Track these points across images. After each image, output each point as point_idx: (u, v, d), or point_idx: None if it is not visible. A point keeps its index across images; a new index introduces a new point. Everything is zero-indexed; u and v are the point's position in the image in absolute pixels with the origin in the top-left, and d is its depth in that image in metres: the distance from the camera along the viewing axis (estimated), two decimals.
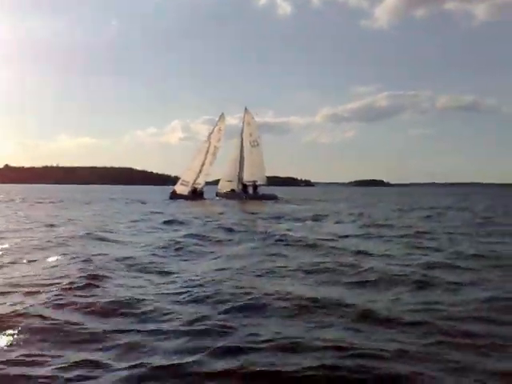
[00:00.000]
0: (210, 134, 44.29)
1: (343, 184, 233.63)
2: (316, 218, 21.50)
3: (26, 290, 6.60)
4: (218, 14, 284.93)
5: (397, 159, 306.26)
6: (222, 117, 45.34)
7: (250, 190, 44.22)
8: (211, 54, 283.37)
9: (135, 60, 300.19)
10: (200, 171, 42.87)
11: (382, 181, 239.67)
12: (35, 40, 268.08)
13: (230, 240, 12.74)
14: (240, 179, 44.58)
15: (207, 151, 43.34)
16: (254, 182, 44.19)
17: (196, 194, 42.25)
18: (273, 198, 42.91)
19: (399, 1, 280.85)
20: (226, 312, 5.69)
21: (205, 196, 42.72)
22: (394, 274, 7.94)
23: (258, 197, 42.89)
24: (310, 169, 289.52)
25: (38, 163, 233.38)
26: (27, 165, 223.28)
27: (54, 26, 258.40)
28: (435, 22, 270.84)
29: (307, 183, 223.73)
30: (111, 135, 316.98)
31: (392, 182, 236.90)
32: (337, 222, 19.73)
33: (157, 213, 24.31)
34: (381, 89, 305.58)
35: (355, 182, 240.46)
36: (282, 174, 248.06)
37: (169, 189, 46.68)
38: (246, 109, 46.22)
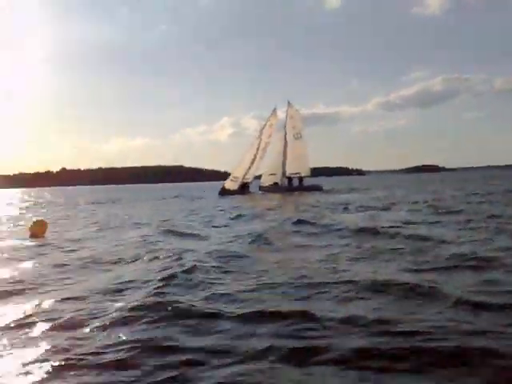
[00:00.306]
0: (262, 129, 45.09)
1: (395, 171, 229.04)
2: (383, 207, 21.47)
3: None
4: (262, 11, 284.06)
5: (452, 143, 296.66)
6: (274, 112, 45.95)
7: (296, 183, 44.75)
8: (260, 50, 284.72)
9: (184, 61, 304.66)
10: (250, 167, 43.69)
11: (437, 166, 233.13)
12: (89, 44, 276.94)
13: (313, 233, 13.03)
14: (284, 172, 44.87)
15: (258, 147, 44.14)
16: (298, 174, 44.59)
17: (244, 189, 43.03)
18: (318, 188, 43.50)
19: None
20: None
21: (250, 190, 43.60)
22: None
23: (303, 188, 43.47)
24: (362, 157, 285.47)
25: (94, 165, 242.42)
26: (83, 167, 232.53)
27: (106, 29, 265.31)
28: (488, 5, 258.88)
29: (359, 172, 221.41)
30: (162, 135, 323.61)
31: (447, 167, 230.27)
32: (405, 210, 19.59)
33: (221, 209, 25.01)
34: (435, 73, 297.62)
35: (408, 168, 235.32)
36: (333, 164, 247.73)
37: (219, 184, 47.47)
38: (288, 102, 46.61)
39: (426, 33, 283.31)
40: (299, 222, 15.39)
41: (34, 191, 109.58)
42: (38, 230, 15.30)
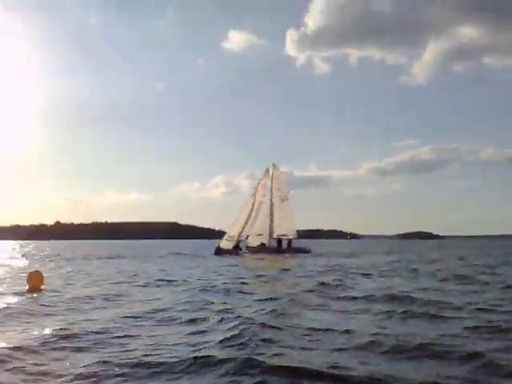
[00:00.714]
0: (256, 188, 45.90)
1: (390, 237, 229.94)
2: (383, 274, 21.63)
3: None
4: (257, 74, 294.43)
5: (444, 211, 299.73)
6: (267, 172, 46.82)
7: (284, 245, 44.84)
8: (252, 112, 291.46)
9: (178, 119, 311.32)
10: (244, 226, 44.08)
11: (431, 233, 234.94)
12: (79, 97, 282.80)
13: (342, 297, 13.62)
14: (271, 233, 45.06)
15: (252, 207, 44.72)
16: (286, 235, 44.85)
17: (237, 248, 43.53)
18: (306, 251, 43.54)
19: (437, 57, 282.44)
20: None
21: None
22: None
23: (292, 250, 43.43)
24: (355, 221, 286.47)
25: (87, 219, 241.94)
26: (76, 221, 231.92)
27: (100, 84, 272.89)
28: (474, 77, 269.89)
29: (353, 236, 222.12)
30: (157, 190, 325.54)
31: (441, 234, 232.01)
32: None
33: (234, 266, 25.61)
34: (423, 143, 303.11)
35: (402, 234, 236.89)
36: (327, 227, 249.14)
37: (215, 242, 47.27)
38: (274, 164, 47.35)
39: (412, 102, 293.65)
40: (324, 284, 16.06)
41: (32, 243, 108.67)
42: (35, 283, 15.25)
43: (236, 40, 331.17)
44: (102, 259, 38.44)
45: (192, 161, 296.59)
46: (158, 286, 16.74)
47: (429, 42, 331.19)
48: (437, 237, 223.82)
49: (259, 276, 19.81)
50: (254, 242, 45.15)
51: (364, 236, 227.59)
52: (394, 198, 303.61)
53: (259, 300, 12.48)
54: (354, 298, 13.10)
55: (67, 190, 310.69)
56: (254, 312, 10.36)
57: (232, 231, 44.37)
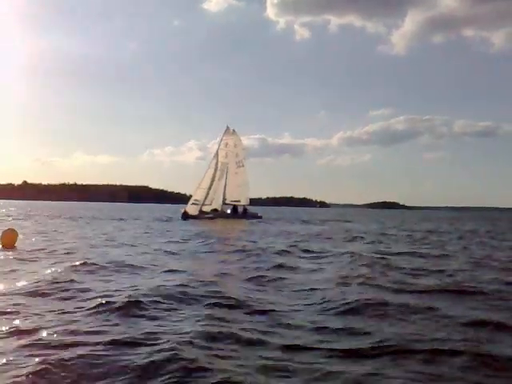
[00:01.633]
0: (217, 149, 45.06)
1: (358, 206, 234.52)
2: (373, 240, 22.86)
3: None
4: (235, 37, 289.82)
5: (412, 182, 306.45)
6: (227, 131, 45.90)
7: (240, 210, 45.40)
8: (228, 76, 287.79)
9: (153, 81, 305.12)
10: (209, 188, 43.41)
11: (398, 203, 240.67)
12: (53, 56, 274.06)
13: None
14: (224, 199, 44.99)
15: (215, 167, 44.04)
16: (238, 201, 45.22)
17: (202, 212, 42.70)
18: (258, 217, 44.95)
19: (417, 27, 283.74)
20: None
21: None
22: None
23: (247, 216, 44.34)
24: (326, 190, 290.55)
25: (55, 180, 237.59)
26: (44, 182, 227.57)
27: (74, 43, 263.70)
28: (453, 48, 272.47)
29: (322, 204, 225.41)
30: (129, 154, 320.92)
31: (407, 205, 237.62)
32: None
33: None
34: (397, 113, 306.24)
35: (370, 204, 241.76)
36: (298, 195, 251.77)
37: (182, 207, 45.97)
38: (233, 130, 46.71)
39: (389, 72, 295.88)
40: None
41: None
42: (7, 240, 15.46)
43: (215, 1, 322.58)
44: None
45: (165, 125, 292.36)
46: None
47: (408, 12, 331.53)
48: (403, 207, 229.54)
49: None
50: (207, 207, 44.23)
51: (333, 204, 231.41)
52: (365, 168, 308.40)
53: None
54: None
55: (36, 151, 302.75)
56: None
57: (197, 195, 43.66)
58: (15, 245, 15.54)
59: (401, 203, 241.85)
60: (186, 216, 42.01)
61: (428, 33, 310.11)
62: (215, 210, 44.08)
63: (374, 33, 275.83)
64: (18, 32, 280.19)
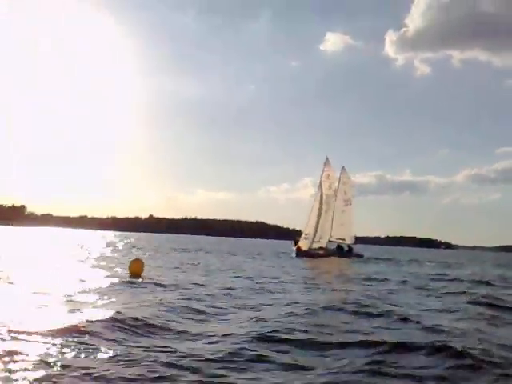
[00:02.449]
0: (320, 181, 43.60)
1: (488, 248, 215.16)
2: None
3: None
4: (352, 76, 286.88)
5: None
6: (326, 162, 44.45)
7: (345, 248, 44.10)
8: (344, 115, 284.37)
9: (270, 121, 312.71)
10: (317, 222, 42.20)
11: None
12: (177, 99, 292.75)
13: None
14: (330, 237, 43.89)
15: (320, 200, 42.69)
16: (342, 240, 44.08)
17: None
18: (360, 256, 42.60)
19: None
20: None
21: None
22: None
23: (352, 255, 42.60)
24: (451, 230, 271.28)
25: (178, 215, 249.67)
26: (168, 216, 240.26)
27: (192, 86, 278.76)
28: None
29: (447, 245, 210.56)
30: (246, 190, 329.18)
31: None
32: None
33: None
34: None
35: (502, 246, 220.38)
36: (420, 235, 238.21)
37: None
38: (343, 168, 46.53)
39: None
40: None
41: (127, 235, 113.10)
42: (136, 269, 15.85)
43: (332, 41, 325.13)
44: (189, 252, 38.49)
45: (281, 163, 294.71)
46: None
47: None
48: None
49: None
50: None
51: (460, 246, 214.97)
52: (495, 207, 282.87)
53: None
54: None
55: (161, 188, 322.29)
56: None
57: (307, 229, 42.34)
58: (142, 274, 15.78)
59: None
60: (299, 252, 40.28)
61: None
62: (321, 249, 42.39)
63: (500, 66, 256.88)
64: (141, 73, 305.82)
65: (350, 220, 45.15)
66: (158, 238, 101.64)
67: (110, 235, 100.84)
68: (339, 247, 43.95)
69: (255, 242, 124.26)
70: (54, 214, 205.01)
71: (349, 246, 44.45)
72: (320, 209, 42.54)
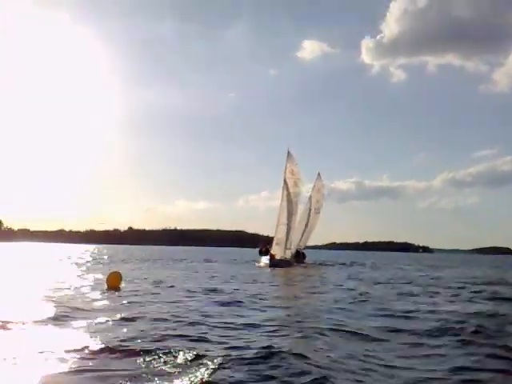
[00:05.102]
0: (284, 178, 38.82)
1: (465, 251, 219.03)
2: None
3: None
4: (330, 83, 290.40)
5: None
6: (289, 156, 39.65)
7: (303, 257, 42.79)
8: (322, 121, 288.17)
9: (248, 130, 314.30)
10: (289, 225, 38.27)
11: (508, 248, 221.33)
12: (154, 109, 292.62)
13: None
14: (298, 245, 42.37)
15: (288, 200, 38.29)
16: (300, 247, 43.07)
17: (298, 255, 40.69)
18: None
19: None
20: None
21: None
22: None
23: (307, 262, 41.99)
24: (429, 234, 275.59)
25: (158, 226, 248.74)
26: (148, 227, 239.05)
27: (170, 96, 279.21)
28: None
29: (425, 249, 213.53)
30: (227, 200, 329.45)
31: None
32: None
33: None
34: (503, 153, 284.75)
35: (479, 249, 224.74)
36: (398, 239, 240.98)
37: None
38: (318, 174, 44.75)
39: (493, 111, 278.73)
40: None
41: (108, 247, 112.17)
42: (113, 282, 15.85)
43: (310, 49, 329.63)
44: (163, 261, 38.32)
45: (261, 170, 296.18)
46: None
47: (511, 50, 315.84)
48: None
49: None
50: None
51: (437, 250, 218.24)
52: (471, 210, 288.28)
53: None
54: None
55: (140, 199, 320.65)
56: None
57: (278, 233, 38.31)
58: (120, 286, 15.86)
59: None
60: (273, 261, 35.13)
61: None
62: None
63: (474, 72, 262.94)
64: (115, 85, 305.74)
65: (315, 228, 44.67)
66: (132, 249, 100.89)
67: (89, 248, 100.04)
68: (298, 253, 41.44)
69: (233, 250, 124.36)
70: (32, 228, 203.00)
71: (303, 251, 43.37)
72: (289, 209, 38.42)
